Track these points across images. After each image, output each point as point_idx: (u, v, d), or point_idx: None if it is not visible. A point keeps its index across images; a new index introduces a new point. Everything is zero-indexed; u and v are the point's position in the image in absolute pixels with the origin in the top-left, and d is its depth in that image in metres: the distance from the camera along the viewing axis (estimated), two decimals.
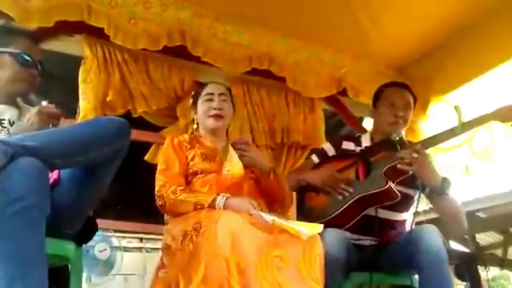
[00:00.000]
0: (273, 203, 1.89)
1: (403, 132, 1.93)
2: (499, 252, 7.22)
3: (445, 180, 1.82)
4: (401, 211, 2.01)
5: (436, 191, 1.84)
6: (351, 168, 2.02)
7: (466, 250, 6.91)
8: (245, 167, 1.83)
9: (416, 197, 1.98)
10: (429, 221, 1.90)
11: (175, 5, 2.43)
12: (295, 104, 2.94)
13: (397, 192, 1.85)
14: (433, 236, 1.68)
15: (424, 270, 1.64)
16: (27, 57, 1.58)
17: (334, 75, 2.92)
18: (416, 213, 1.95)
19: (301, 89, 2.82)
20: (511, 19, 2.41)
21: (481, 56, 2.55)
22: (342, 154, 2.12)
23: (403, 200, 1.92)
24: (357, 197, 1.89)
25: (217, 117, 1.91)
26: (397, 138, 1.90)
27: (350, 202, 1.89)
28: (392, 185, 1.85)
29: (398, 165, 1.82)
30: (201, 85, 2.07)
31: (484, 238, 7.40)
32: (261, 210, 1.62)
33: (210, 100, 1.93)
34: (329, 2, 2.47)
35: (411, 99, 2.08)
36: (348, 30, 2.68)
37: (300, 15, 2.55)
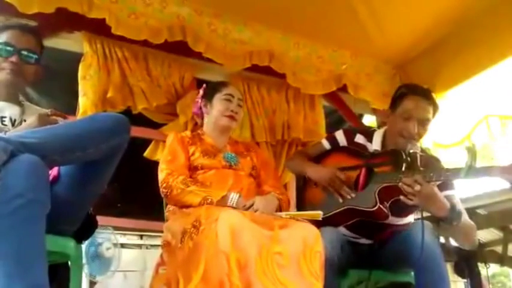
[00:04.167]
0: None
1: (418, 147, 1.78)
2: (499, 249, 7.20)
3: (452, 211, 1.67)
4: (405, 216, 1.96)
5: (444, 222, 1.70)
6: (354, 171, 1.97)
7: None
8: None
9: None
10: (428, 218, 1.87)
11: (175, 2, 2.43)
12: (296, 100, 2.93)
13: (386, 212, 1.80)
14: (426, 232, 1.66)
15: (419, 266, 1.64)
16: (4, 46, 1.55)
17: (334, 71, 2.90)
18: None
19: (301, 86, 2.82)
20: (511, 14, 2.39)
21: (482, 51, 2.53)
22: (351, 150, 2.05)
23: (405, 208, 1.84)
24: (346, 207, 1.88)
25: (232, 118, 2.01)
26: (410, 152, 1.76)
27: (340, 210, 1.88)
28: (385, 206, 1.79)
29: (402, 198, 1.69)
30: (219, 82, 2.18)
31: (484, 235, 7.39)
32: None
33: (229, 101, 2.02)
34: None
35: (431, 115, 1.90)
36: (348, 27, 2.66)
37: (300, 12, 2.54)
